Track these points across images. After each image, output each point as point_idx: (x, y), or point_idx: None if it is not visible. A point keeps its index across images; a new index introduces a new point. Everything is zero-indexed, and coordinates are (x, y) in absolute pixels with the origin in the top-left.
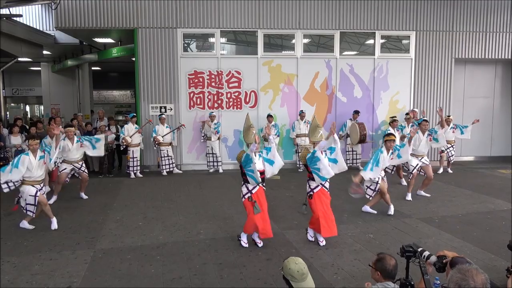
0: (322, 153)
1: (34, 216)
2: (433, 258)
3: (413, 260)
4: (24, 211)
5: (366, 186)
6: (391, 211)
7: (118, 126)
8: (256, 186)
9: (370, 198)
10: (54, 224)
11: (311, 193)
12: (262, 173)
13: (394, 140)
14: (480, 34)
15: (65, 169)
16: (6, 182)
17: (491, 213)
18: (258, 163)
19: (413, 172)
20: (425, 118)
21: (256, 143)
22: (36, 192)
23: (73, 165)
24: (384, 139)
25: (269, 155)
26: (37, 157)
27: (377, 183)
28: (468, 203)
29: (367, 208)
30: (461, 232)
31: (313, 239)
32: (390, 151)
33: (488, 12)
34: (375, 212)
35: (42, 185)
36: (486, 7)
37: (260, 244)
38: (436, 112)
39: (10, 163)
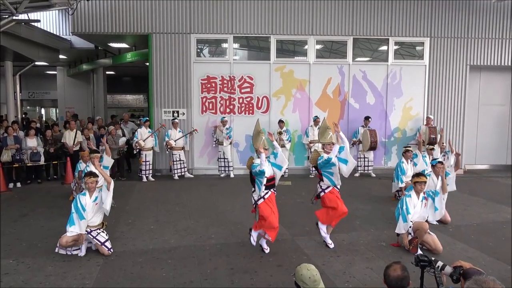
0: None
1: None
2: (448, 269)
3: (428, 270)
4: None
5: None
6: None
7: (125, 130)
8: (268, 192)
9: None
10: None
11: (322, 193)
12: (272, 179)
13: (425, 182)
14: (496, 40)
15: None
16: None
17: (507, 223)
18: (268, 169)
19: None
20: (440, 160)
21: (263, 152)
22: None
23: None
24: (412, 181)
25: (276, 160)
26: (93, 197)
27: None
28: (483, 212)
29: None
30: (476, 241)
31: (332, 246)
32: (421, 196)
33: (504, 19)
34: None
35: (96, 230)
36: (501, 14)
37: (267, 250)
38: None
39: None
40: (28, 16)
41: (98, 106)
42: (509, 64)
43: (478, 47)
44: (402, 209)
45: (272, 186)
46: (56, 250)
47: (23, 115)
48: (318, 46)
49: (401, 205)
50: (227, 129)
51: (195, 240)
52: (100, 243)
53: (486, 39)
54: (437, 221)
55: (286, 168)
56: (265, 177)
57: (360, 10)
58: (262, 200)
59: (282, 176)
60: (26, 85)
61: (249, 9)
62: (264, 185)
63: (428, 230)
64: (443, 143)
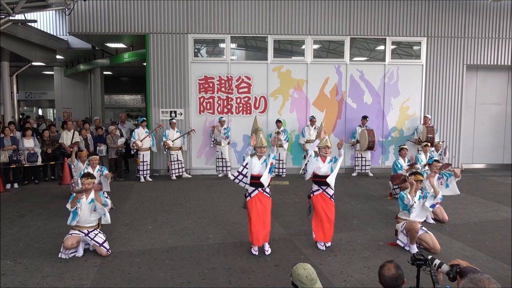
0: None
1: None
2: (445, 267)
3: (424, 268)
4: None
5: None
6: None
7: (122, 131)
8: (254, 190)
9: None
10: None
11: (311, 194)
12: (258, 178)
13: (421, 181)
14: (493, 40)
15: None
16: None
17: (504, 222)
18: (260, 167)
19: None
20: (436, 159)
21: (251, 145)
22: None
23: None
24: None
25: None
26: (89, 199)
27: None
28: (481, 211)
29: (414, 247)
30: (473, 240)
31: (324, 248)
32: (418, 194)
33: (501, 18)
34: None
35: (93, 232)
36: (498, 13)
37: (268, 251)
38: (444, 123)
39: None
40: (24, 16)
41: (96, 107)
42: (506, 63)
43: (475, 47)
44: (403, 201)
45: (260, 185)
46: (60, 255)
47: (21, 116)
48: (316, 46)
49: (401, 197)
50: (225, 129)
51: (193, 240)
52: (98, 244)
53: (483, 39)
54: (434, 219)
55: (284, 168)
56: (243, 166)
57: (357, 10)
58: (249, 197)
59: (280, 176)
60: (23, 86)
61: (247, 9)
62: (250, 181)
63: (426, 229)
64: (438, 141)
